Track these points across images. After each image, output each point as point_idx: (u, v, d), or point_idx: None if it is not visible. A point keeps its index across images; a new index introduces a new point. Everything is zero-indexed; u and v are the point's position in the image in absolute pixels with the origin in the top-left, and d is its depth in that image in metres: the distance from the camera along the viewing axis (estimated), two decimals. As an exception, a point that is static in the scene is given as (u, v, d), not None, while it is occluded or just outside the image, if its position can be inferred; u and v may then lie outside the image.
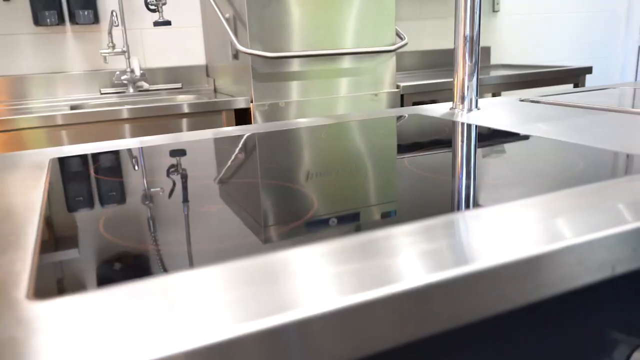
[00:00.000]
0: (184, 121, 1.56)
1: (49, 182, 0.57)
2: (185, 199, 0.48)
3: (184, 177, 0.57)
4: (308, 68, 1.60)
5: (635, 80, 3.27)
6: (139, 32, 1.96)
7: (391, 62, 1.71)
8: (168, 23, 1.68)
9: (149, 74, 1.99)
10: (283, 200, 0.47)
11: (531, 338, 0.37)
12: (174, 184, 0.54)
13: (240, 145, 0.73)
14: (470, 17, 0.91)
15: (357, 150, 0.66)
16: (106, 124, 1.49)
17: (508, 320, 0.36)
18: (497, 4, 2.62)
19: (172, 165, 0.62)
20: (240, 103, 1.57)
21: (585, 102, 0.96)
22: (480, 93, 2.13)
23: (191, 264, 0.33)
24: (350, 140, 0.72)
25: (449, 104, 1.01)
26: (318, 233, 0.37)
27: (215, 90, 2.00)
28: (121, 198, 0.50)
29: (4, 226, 0.43)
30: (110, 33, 1.85)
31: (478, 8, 0.90)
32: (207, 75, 2.08)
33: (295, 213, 0.43)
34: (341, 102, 1.67)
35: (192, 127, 1.57)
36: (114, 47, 1.87)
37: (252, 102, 1.56)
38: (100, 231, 0.41)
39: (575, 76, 2.16)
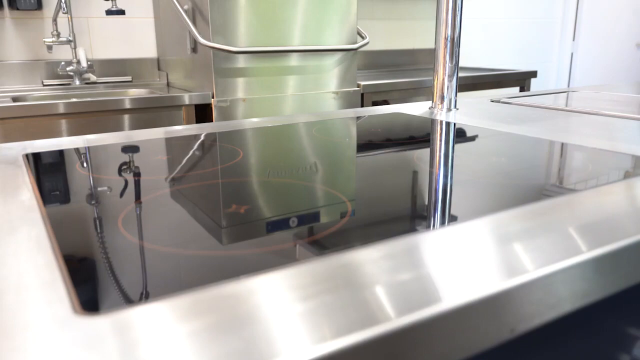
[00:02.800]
0: (139, 117, 1.48)
1: (35, 179, 0.52)
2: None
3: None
4: (270, 64, 1.56)
5: (569, 86, 3.46)
6: (86, 20, 1.85)
7: (353, 60, 1.71)
8: (122, 12, 1.59)
9: (95, 66, 1.88)
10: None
11: (549, 343, 0.37)
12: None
13: (226, 148, 0.70)
14: (451, 18, 0.92)
15: (352, 149, 0.64)
16: (50, 118, 1.39)
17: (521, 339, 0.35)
18: (446, 7, 2.68)
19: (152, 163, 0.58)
20: (201, 98, 1.52)
21: (554, 104, 0.99)
22: (427, 94, 2.18)
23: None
24: (342, 139, 0.70)
25: (428, 103, 1.02)
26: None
27: (168, 85, 1.92)
28: (129, 195, 0.46)
29: (10, 229, 0.38)
30: (55, 20, 1.73)
31: (460, 9, 0.91)
32: (159, 68, 1.99)
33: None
34: (303, 100, 1.65)
35: (149, 123, 1.50)
36: (58, 35, 1.75)
37: (213, 97, 1.50)
38: (120, 229, 0.37)
39: (522, 80, 2.25)
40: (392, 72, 2.30)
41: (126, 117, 1.46)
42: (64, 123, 1.40)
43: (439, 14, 0.93)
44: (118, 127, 1.46)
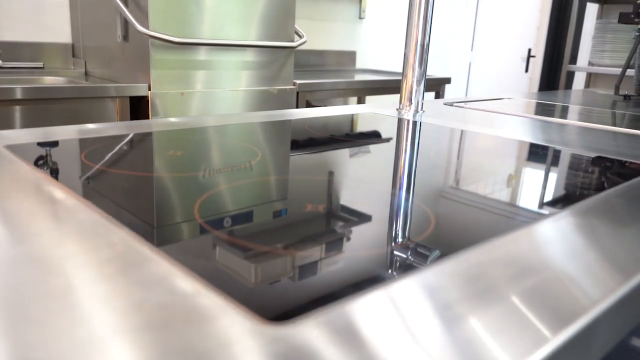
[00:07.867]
0: (66, 107, 1.35)
1: (50, 172, 0.45)
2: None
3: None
4: (209, 58, 1.51)
5: (466, 95, 3.73)
6: (-11, -3, 1.65)
7: (290, 59, 1.70)
8: (42, -9, 1.44)
9: (0, 48, 1.69)
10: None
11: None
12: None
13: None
14: (422, 23, 0.95)
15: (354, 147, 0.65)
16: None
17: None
18: (363, 11, 2.76)
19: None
20: (136, 91, 1.42)
21: (508, 110, 1.07)
22: (344, 96, 2.23)
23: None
24: (336, 136, 0.70)
25: (395, 104, 1.05)
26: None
27: (86, 74, 1.77)
28: (199, 187, 0.42)
29: (78, 235, 0.33)
30: (-46, -6, 1.52)
31: (430, 15, 0.95)
32: (74, 55, 1.83)
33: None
34: (240, 96, 1.61)
35: (78, 115, 1.37)
36: (-43, 11, 1.55)
37: (149, 90, 1.42)
38: (204, 226, 0.34)
39: (437, 85, 2.39)
40: (314, 73, 2.32)
41: (50, 107, 1.33)
42: (-24, 111, 1.24)
43: (410, 18, 0.95)
44: (40, 119, 1.32)
